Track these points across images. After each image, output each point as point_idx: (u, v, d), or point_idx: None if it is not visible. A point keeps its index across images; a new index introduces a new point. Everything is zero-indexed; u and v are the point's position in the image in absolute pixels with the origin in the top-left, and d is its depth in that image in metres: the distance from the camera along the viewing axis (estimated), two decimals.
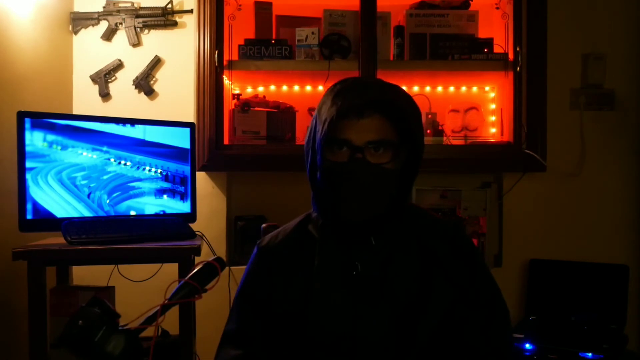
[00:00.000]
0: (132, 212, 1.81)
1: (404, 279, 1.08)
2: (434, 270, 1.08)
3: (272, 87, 2.42)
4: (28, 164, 1.61)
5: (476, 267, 1.14)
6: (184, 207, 1.91)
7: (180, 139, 1.90)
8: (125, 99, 2.30)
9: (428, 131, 2.33)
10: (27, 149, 1.61)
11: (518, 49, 2.23)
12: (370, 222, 1.07)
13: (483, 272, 1.16)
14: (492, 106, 2.46)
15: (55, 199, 1.66)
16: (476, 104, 2.40)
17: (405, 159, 1.09)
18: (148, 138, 1.83)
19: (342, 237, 1.10)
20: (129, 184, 1.80)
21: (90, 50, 2.29)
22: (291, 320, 1.09)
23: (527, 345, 1.95)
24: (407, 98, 1.10)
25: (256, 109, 2.26)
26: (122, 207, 1.80)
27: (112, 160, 1.77)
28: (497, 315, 1.12)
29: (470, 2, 2.33)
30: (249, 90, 2.41)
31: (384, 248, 1.09)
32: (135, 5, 2.28)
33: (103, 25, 2.28)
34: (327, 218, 1.11)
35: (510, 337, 1.17)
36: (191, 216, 1.92)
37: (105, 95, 2.29)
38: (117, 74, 2.30)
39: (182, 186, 1.90)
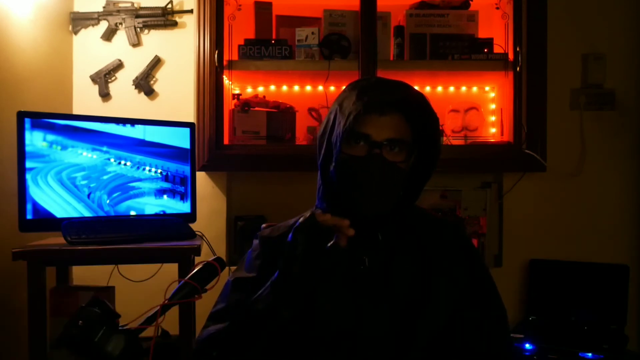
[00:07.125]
0: (132, 212, 1.81)
1: (406, 277, 1.09)
2: (434, 270, 1.10)
3: (272, 87, 2.42)
4: (28, 164, 1.61)
5: (475, 268, 1.16)
6: (184, 207, 1.91)
7: (180, 139, 1.90)
8: (125, 99, 2.30)
9: None
10: (27, 149, 1.61)
11: (518, 49, 2.23)
12: (379, 218, 1.08)
13: (482, 273, 1.17)
14: (492, 106, 2.46)
15: (55, 199, 1.66)
16: (476, 104, 2.40)
17: (415, 161, 1.11)
18: (148, 138, 1.83)
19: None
20: (129, 184, 1.80)
21: (90, 50, 2.29)
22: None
23: (527, 346, 1.95)
24: (428, 101, 1.11)
25: (256, 109, 2.26)
26: (122, 207, 1.80)
27: (112, 160, 1.77)
28: (493, 317, 1.13)
29: (470, 2, 2.33)
30: (249, 90, 2.41)
31: (388, 246, 1.10)
32: (135, 5, 2.28)
33: (103, 25, 2.28)
34: (337, 211, 1.10)
35: (509, 338, 1.17)
36: (191, 216, 1.92)
37: (105, 95, 2.29)
38: (117, 74, 2.30)
39: (182, 186, 1.90)
